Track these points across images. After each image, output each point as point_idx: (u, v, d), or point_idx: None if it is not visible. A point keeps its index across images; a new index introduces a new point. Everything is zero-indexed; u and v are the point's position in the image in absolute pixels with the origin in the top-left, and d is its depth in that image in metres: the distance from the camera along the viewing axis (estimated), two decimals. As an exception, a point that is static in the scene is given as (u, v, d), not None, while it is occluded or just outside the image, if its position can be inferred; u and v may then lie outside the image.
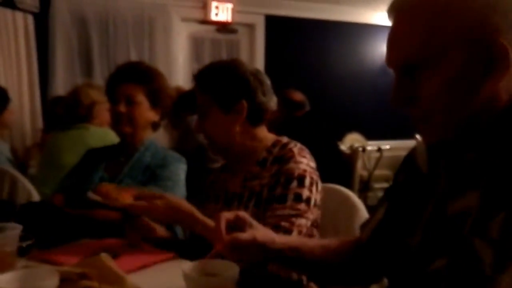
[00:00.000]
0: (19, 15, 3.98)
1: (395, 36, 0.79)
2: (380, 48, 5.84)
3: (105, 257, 1.04)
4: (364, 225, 1.05)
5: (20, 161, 3.30)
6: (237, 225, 0.97)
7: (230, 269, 0.86)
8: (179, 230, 1.81)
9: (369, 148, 4.94)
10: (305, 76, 5.08)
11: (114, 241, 1.40)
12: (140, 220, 1.44)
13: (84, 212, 1.58)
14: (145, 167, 1.73)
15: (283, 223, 1.23)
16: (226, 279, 0.85)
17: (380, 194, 4.63)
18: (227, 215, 0.96)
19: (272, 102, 1.45)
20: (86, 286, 0.89)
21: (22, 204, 1.14)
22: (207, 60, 5.10)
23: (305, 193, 1.28)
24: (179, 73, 4.81)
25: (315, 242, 1.14)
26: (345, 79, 5.59)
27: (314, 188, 1.31)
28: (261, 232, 0.97)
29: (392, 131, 5.29)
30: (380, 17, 5.71)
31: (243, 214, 0.99)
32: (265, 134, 1.46)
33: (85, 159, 1.89)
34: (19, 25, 3.98)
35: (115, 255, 1.16)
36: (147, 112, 1.76)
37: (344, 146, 4.85)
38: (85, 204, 1.64)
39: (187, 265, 0.87)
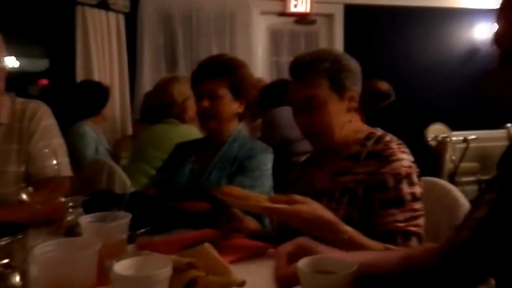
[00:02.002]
0: (112, 15, 4.25)
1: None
2: (466, 34, 5.51)
3: (209, 247, 1.08)
4: (462, 225, 1.00)
5: (112, 153, 3.52)
6: (301, 253, 0.90)
7: (348, 268, 0.81)
8: (267, 222, 1.85)
9: (454, 139, 4.70)
10: (386, 66, 4.91)
11: (209, 232, 1.44)
12: (231, 211, 1.47)
13: (176, 204, 1.67)
14: (233, 158, 1.77)
15: (411, 228, 1.19)
16: (344, 278, 0.81)
17: (467, 188, 4.39)
18: (287, 249, 0.93)
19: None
20: (194, 276, 0.93)
21: (131, 194, 1.22)
22: (285, 52, 5.12)
23: (417, 190, 1.24)
24: (259, 66, 4.87)
25: (392, 254, 1.08)
26: (429, 68, 5.34)
27: (421, 183, 1.26)
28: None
29: (479, 120, 4.99)
30: (467, 1, 5.37)
31: (305, 241, 0.95)
32: (360, 125, 1.41)
33: (175, 153, 1.97)
34: (111, 25, 4.26)
35: (214, 246, 1.19)
36: (230, 105, 1.79)
37: (428, 138, 4.65)
38: (176, 196, 1.74)
39: (301, 261, 0.86)
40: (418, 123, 3.91)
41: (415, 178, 1.24)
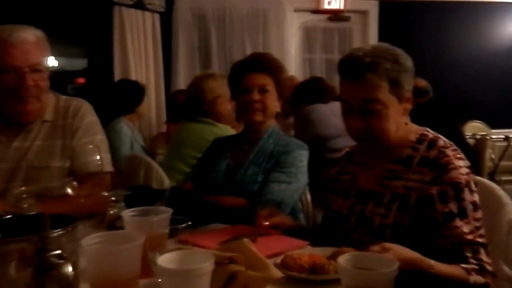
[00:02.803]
0: (148, 15, 4.34)
1: None
2: (506, 28, 5.32)
3: (248, 242, 1.09)
4: None
5: (147, 150, 3.59)
6: None
7: (388, 265, 0.81)
8: (301, 218, 1.85)
9: (493, 137, 4.56)
10: (423, 63, 4.77)
11: (246, 227, 1.45)
12: (268, 207, 1.47)
13: (213, 199, 1.69)
14: (269, 154, 1.78)
15: (478, 239, 1.15)
16: (384, 275, 0.81)
17: (507, 187, 4.24)
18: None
19: None
20: (235, 270, 0.94)
21: (171, 189, 1.24)
22: (318, 49, 5.10)
23: (476, 197, 1.19)
24: (291, 63, 4.86)
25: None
26: (467, 63, 5.19)
27: (477, 188, 1.21)
28: None
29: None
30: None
31: None
32: (410, 125, 1.34)
33: (211, 149, 1.99)
34: (147, 24, 4.35)
35: (252, 241, 1.20)
36: (275, 102, 1.82)
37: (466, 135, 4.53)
38: (213, 191, 1.76)
39: (342, 257, 0.86)
40: (455, 121, 3.81)
41: (473, 185, 1.20)
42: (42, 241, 0.72)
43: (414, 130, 1.33)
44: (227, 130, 2.62)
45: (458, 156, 1.22)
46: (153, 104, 4.43)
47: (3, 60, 1.56)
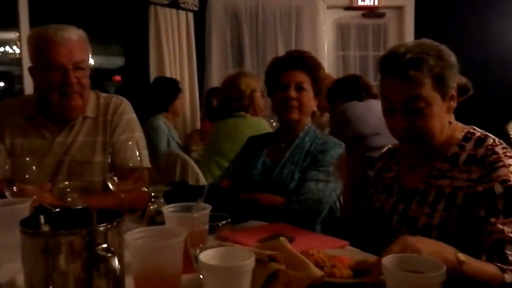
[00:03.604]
0: (182, 14, 4.39)
1: None
2: (553, 22, 5.10)
3: (284, 241, 1.09)
4: None
5: (182, 147, 3.64)
6: None
7: (437, 268, 0.78)
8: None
9: (539, 136, 4.38)
10: (463, 59, 4.64)
11: (284, 225, 1.45)
12: None
13: (250, 196, 1.69)
14: (306, 152, 1.77)
15: None
16: (431, 279, 0.78)
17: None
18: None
19: None
20: (276, 269, 0.94)
21: (209, 186, 1.25)
22: (352, 46, 5.03)
23: None
24: (325, 61, 4.81)
25: None
26: (509, 59, 5.00)
27: None
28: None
29: None
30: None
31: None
32: (455, 123, 1.32)
33: (248, 146, 2.00)
34: (182, 23, 4.40)
35: (290, 240, 1.20)
36: (311, 100, 1.81)
37: (510, 134, 4.37)
38: (250, 189, 1.76)
39: (387, 258, 0.84)
40: (498, 119, 3.68)
41: None
42: (90, 234, 0.73)
43: (459, 128, 1.30)
44: (261, 121, 2.66)
45: (509, 154, 1.19)
46: (187, 101, 4.48)
47: (49, 57, 1.63)
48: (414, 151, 1.34)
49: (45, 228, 0.77)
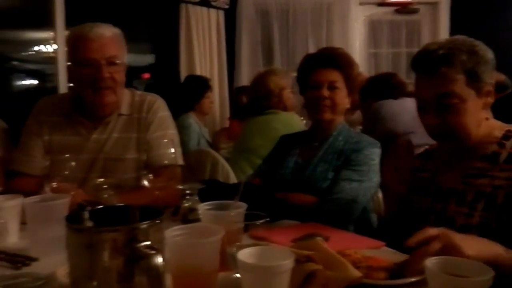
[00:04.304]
0: (213, 12, 4.42)
1: None
2: None
3: (321, 241, 1.08)
4: None
5: (211, 145, 3.66)
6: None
7: (484, 272, 0.77)
8: (373, 219, 1.80)
9: None
10: (501, 56, 4.50)
11: (317, 225, 1.44)
12: None
13: (283, 195, 1.68)
14: (339, 151, 1.74)
15: None
16: (477, 284, 0.76)
17: None
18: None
19: None
20: (313, 269, 0.93)
21: (244, 184, 1.25)
22: (384, 43, 4.95)
23: None
24: (356, 58, 4.73)
25: None
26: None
27: None
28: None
29: None
30: None
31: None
32: (494, 121, 1.29)
33: (279, 145, 1.98)
34: (212, 21, 4.43)
35: (325, 240, 1.19)
36: (345, 99, 1.78)
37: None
38: (282, 188, 1.75)
39: (430, 260, 0.83)
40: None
41: None
42: (132, 232, 0.74)
43: (498, 126, 1.27)
44: (293, 116, 2.64)
45: None
46: (217, 99, 4.50)
47: (83, 53, 1.66)
48: (450, 150, 1.32)
49: (89, 224, 0.78)
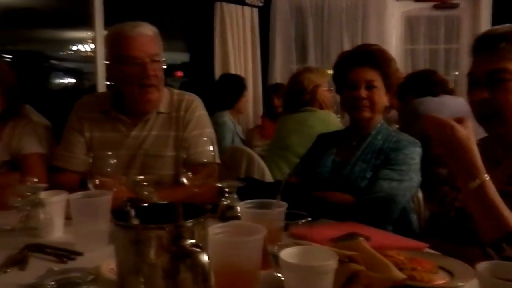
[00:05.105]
0: (247, 10, 4.42)
1: None
2: None
3: (363, 241, 1.06)
4: None
5: (245, 143, 3.67)
6: None
7: None
8: (413, 219, 1.76)
9: None
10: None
11: (356, 224, 1.41)
12: None
13: (321, 194, 1.67)
14: (378, 150, 1.72)
15: None
16: None
17: None
18: None
19: None
20: (357, 270, 0.91)
21: (285, 183, 1.24)
22: (422, 40, 4.83)
23: None
24: (392, 55, 4.65)
25: None
26: None
27: None
28: None
29: None
30: None
31: None
32: None
33: (316, 144, 1.97)
34: (246, 18, 4.43)
35: (366, 240, 1.17)
36: (383, 97, 1.75)
37: None
38: (319, 186, 1.73)
39: (481, 265, 0.80)
40: None
41: None
42: (177, 229, 0.75)
43: None
44: (330, 114, 2.62)
45: None
46: (251, 97, 4.50)
47: (126, 51, 1.71)
48: (495, 144, 1.28)
49: (135, 221, 0.79)
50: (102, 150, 1.72)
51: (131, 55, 1.70)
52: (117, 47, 1.74)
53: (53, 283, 0.87)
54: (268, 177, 2.46)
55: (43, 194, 1.31)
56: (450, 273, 1.05)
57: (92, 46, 4.30)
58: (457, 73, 4.73)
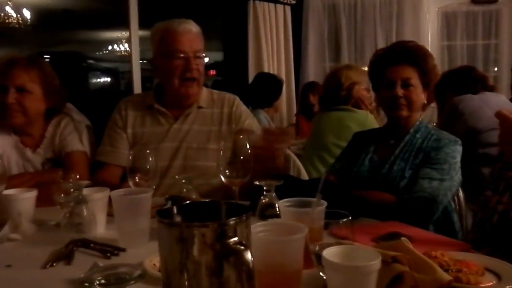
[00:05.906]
0: (279, 7, 4.42)
1: None
2: None
3: (406, 241, 1.04)
4: None
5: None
6: None
7: None
8: (455, 219, 1.72)
9: None
10: None
11: (397, 224, 1.39)
12: None
13: (360, 193, 1.64)
14: (417, 149, 1.68)
15: None
16: None
17: None
18: None
19: None
20: (401, 270, 0.90)
21: (324, 181, 1.23)
22: (459, 36, 4.71)
23: None
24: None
25: None
26: None
27: None
28: None
29: None
30: None
31: None
32: None
33: (354, 143, 1.94)
34: (279, 16, 4.43)
35: (409, 239, 1.14)
36: (420, 95, 1.71)
37: None
38: (357, 185, 1.71)
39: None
40: None
41: None
42: (221, 227, 0.75)
43: None
44: (367, 116, 2.58)
45: None
46: (284, 95, 4.49)
47: (173, 45, 1.80)
48: None
49: (177, 219, 0.80)
50: (145, 145, 1.79)
51: (177, 49, 1.79)
52: (164, 42, 1.82)
53: (100, 278, 0.89)
54: (304, 176, 2.44)
55: (85, 191, 1.34)
56: (497, 275, 1.01)
57: (127, 45, 4.37)
58: (496, 69, 4.58)
